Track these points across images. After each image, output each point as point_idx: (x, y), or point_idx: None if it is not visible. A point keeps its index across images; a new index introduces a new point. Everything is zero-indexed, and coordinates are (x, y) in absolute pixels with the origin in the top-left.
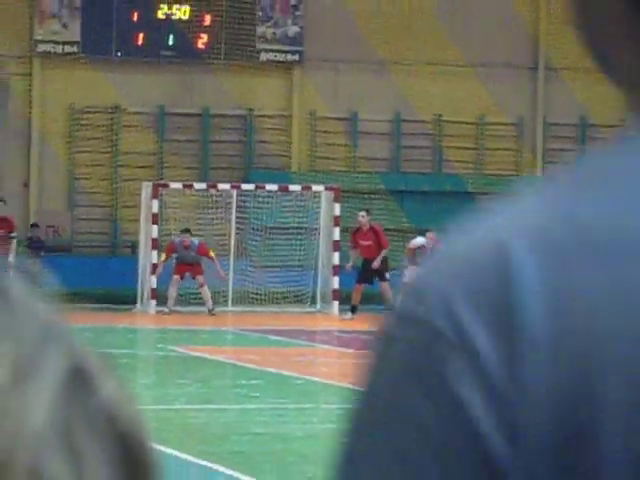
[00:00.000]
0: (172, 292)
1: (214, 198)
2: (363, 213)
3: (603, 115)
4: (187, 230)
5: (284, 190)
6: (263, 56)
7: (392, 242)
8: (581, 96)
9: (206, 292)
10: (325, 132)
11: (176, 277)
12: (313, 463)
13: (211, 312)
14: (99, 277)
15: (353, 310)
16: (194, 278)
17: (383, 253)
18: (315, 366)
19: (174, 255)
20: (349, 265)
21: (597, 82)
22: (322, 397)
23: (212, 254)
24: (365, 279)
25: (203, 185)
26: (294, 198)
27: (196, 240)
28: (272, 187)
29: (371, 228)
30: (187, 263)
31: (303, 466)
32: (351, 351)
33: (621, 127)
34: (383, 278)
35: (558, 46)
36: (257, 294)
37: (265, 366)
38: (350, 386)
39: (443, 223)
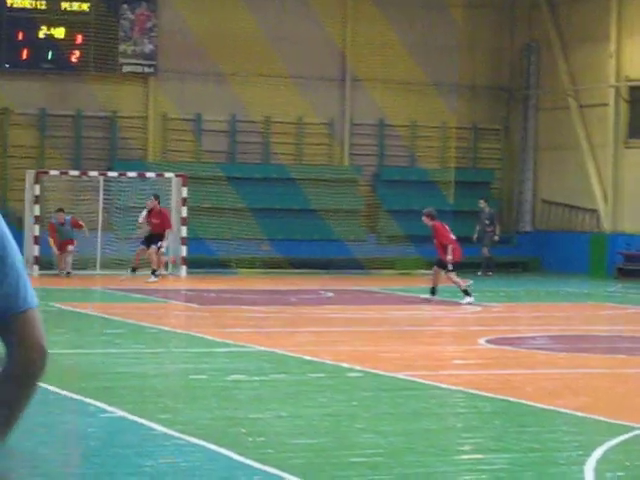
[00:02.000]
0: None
1: (85, 183)
2: (152, 198)
3: (397, 117)
4: (60, 209)
5: (142, 177)
6: (125, 68)
7: (228, 219)
8: (379, 102)
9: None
10: (175, 130)
11: (59, 253)
12: (164, 396)
13: (68, 274)
14: None
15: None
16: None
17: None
18: (166, 318)
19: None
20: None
21: (392, 91)
22: (172, 343)
23: (82, 223)
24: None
25: (76, 172)
26: (150, 183)
27: (68, 216)
28: (132, 174)
29: (160, 210)
30: (65, 239)
31: (156, 398)
32: (198, 306)
33: (409, 127)
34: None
35: (361, 62)
36: (120, 260)
37: (126, 318)
38: (194, 334)
39: (270, 203)
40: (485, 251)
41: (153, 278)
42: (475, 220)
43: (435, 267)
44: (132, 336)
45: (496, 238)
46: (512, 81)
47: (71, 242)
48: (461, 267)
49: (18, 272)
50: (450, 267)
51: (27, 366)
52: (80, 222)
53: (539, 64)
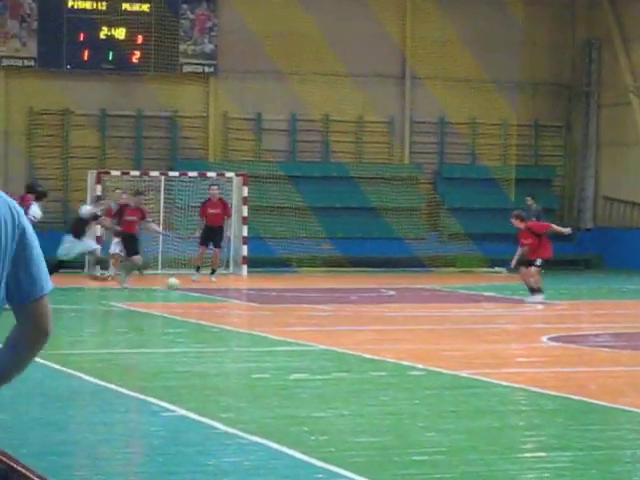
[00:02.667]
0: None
1: (146, 183)
2: (214, 187)
3: (457, 115)
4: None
5: (203, 176)
6: (185, 68)
7: (288, 217)
8: (440, 100)
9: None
10: (235, 129)
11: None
12: (226, 395)
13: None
14: (53, 247)
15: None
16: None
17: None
18: (228, 317)
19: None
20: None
21: (452, 89)
22: (233, 342)
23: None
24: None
25: (137, 172)
26: (211, 182)
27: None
28: (193, 174)
29: (220, 199)
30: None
31: (217, 397)
32: (259, 305)
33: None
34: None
35: (421, 59)
36: (182, 260)
37: (187, 317)
38: (256, 333)
39: (330, 202)
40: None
41: (213, 277)
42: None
43: (529, 267)
44: (194, 335)
45: None
46: (573, 78)
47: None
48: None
49: (41, 257)
50: (539, 262)
51: (33, 347)
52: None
53: (600, 60)
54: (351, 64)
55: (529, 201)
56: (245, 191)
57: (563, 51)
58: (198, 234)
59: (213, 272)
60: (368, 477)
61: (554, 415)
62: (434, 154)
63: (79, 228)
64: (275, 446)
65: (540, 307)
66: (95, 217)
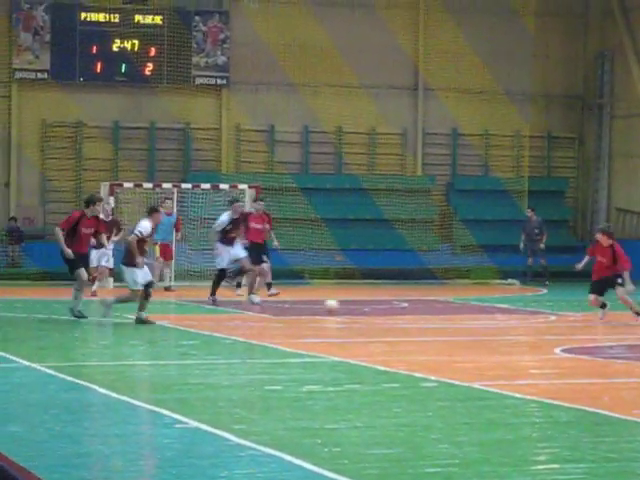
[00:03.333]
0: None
1: (159, 195)
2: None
3: (469, 126)
4: (168, 198)
5: (215, 188)
6: (198, 80)
7: (301, 229)
8: (452, 111)
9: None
10: (248, 141)
11: (161, 259)
12: (239, 407)
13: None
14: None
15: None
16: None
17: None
18: (240, 329)
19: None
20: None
21: (465, 100)
22: (246, 354)
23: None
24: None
25: (150, 185)
26: (224, 195)
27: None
28: (206, 186)
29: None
30: (166, 241)
31: (231, 409)
32: (272, 317)
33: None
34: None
35: (433, 71)
36: (195, 272)
37: (200, 329)
38: (268, 344)
39: (342, 214)
40: (531, 261)
41: (273, 290)
42: (521, 229)
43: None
44: (206, 347)
45: (542, 246)
46: (586, 89)
47: (169, 250)
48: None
49: None
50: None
51: None
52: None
53: (613, 72)
54: (364, 76)
55: (529, 213)
56: (258, 200)
57: (575, 63)
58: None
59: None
60: None
61: (567, 427)
62: (447, 165)
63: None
64: (288, 458)
65: (553, 318)
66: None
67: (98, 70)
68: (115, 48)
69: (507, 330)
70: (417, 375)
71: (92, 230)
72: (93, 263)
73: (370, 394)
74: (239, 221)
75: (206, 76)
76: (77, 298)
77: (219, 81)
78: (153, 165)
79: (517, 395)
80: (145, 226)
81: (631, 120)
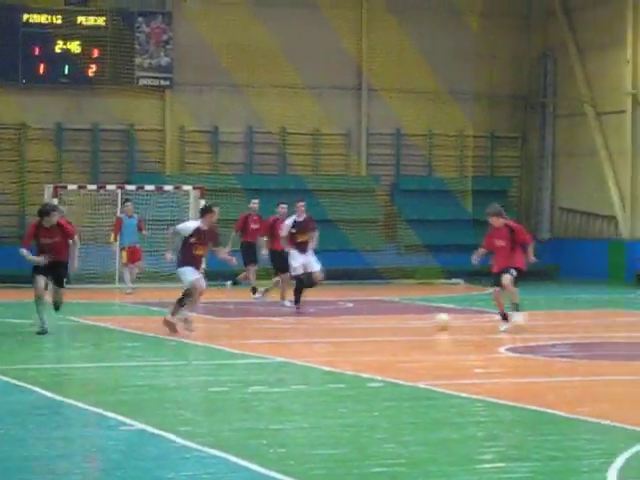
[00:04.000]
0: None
1: (103, 197)
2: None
3: (413, 126)
4: (127, 200)
5: (160, 190)
6: (141, 82)
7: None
8: (396, 111)
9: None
10: (192, 142)
11: (128, 264)
12: (184, 408)
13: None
14: (10, 261)
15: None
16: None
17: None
18: (185, 330)
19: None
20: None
21: (408, 100)
22: (191, 355)
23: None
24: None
25: (94, 186)
26: (168, 196)
27: (135, 215)
28: (150, 187)
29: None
30: (132, 244)
31: (176, 411)
32: (217, 318)
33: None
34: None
35: (377, 71)
36: (139, 274)
37: (146, 331)
38: (213, 346)
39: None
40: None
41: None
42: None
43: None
44: (152, 349)
45: None
46: (529, 89)
47: (137, 252)
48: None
49: None
50: (514, 273)
51: None
52: (144, 227)
53: (556, 71)
54: (308, 77)
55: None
56: (202, 204)
57: (519, 62)
58: (229, 249)
59: (235, 284)
60: None
61: (512, 426)
62: (391, 166)
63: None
64: (233, 459)
65: (498, 317)
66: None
67: (41, 72)
68: (58, 50)
69: (452, 330)
70: (363, 375)
71: (55, 240)
72: None
73: (316, 395)
74: (305, 224)
75: (149, 77)
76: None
77: (162, 82)
78: (97, 167)
79: (462, 394)
80: (186, 226)
81: (574, 119)
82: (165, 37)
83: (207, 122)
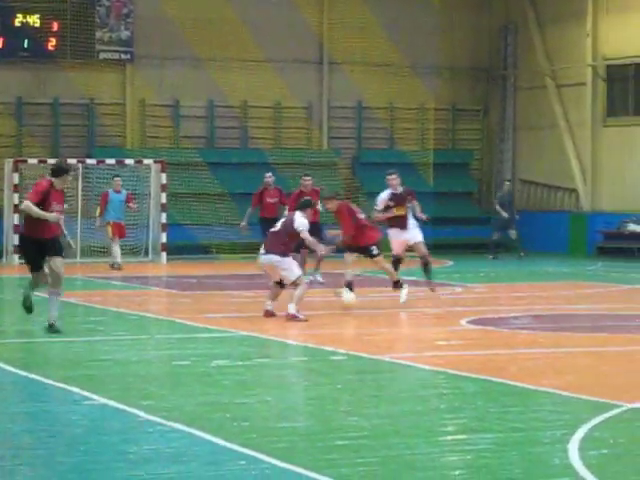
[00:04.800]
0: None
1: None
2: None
3: (375, 99)
4: (117, 175)
5: (121, 163)
6: (101, 55)
7: (208, 204)
8: (357, 84)
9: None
10: (153, 116)
11: (114, 236)
12: (147, 382)
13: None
14: None
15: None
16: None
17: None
18: (148, 304)
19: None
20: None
21: (370, 73)
22: (154, 329)
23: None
24: None
25: (54, 160)
26: (129, 170)
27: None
28: (111, 161)
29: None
30: (117, 220)
31: (139, 385)
32: (175, 291)
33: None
34: None
35: (338, 44)
36: (100, 247)
37: (108, 305)
38: (176, 320)
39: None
40: (497, 235)
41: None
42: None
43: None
44: (114, 323)
45: (517, 217)
46: (490, 62)
47: (121, 227)
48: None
49: None
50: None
51: None
52: (133, 201)
53: (516, 44)
54: (269, 50)
55: (507, 184)
56: (163, 178)
57: (480, 35)
58: (246, 222)
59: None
60: (291, 462)
61: (474, 398)
62: (352, 139)
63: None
64: (197, 433)
65: (459, 290)
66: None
67: (0, 45)
68: (17, 23)
69: (414, 302)
70: (326, 348)
71: (61, 207)
72: None
73: (279, 368)
74: (402, 197)
75: (110, 51)
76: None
77: (123, 56)
78: (57, 141)
79: (425, 367)
80: (304, 223)
81: (534, 92)
82: (126, 10)
83: (168, 96)
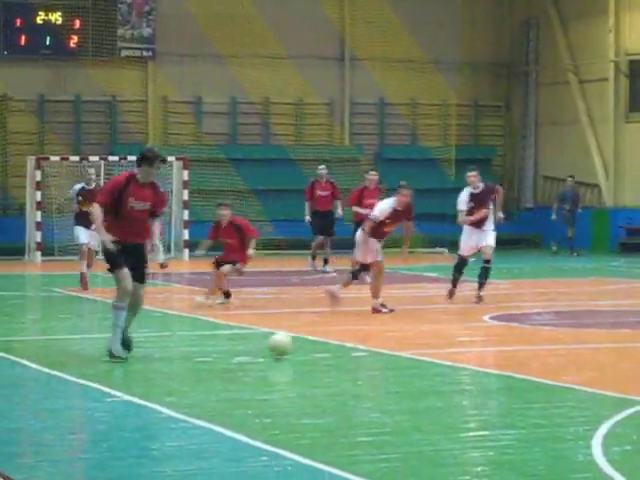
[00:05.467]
0: None
1: (86, 168)
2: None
3: (396, 95)
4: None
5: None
6: (123, 52)
7: (230, 201)
8: (379, 81)
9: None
10: (175, 113)
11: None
12: (170, 379)
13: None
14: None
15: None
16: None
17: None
18: (170, 301)
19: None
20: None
21: (391, 69)
22: (176, 326)
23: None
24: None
25: (77, 157)
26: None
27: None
28: (133, 158)
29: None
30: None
31: (162, 381)
32: (198, 288)
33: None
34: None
35: (359, 40)
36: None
37: None
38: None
39: (271, 184)
40: (571, 232)
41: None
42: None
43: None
44: (136, 320)
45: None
46: (512, 57)
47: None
48: None
49: None
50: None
51: None
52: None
53: (538, 40)
54: (290, 46)
55: (570, 181)
56: (185, 175)
57: (502, 31)
58: (309, 216)
59: (326, 262)
60: (313, 459)
61: (497, 394)
62: (374, 135)
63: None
64: (219, 429)
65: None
66: None
67: (23, 43)
68: (39, 21)
69: (436, 299)
70: (347, 345)
71: (147, 205)
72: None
73: (300, 364)
74: (483, 196)
75: (132, 48)
76: (117, 326)
77: (145, 53)
78: (79, 138)
79: (447, 363)
80: (382, 208)
81: (556, 87)
82: (147, 8)
83: (190, 92)
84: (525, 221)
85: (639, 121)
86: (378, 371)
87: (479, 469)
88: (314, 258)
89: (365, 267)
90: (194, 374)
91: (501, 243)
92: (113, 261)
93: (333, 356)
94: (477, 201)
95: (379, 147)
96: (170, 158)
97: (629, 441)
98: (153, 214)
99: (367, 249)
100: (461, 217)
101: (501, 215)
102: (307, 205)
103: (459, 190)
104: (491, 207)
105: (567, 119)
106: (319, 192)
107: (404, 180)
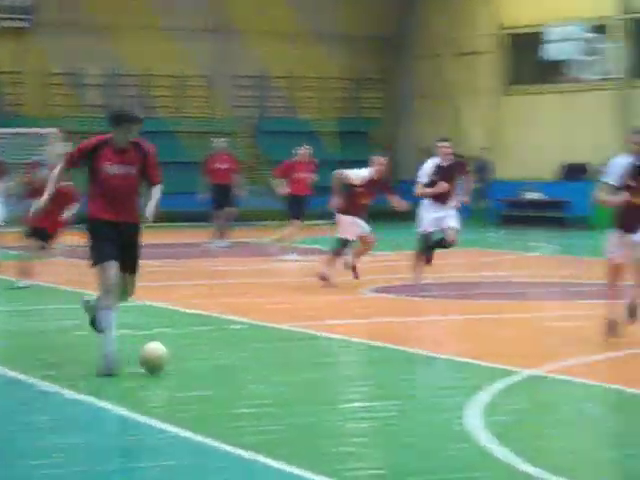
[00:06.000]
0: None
1: None
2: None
3: (277, 68)
4: None
5: (18, 133)
6: (0, 23)
7: None
8: (260, 53)
9: None
10: (54, 85)
11: None
12: (44, 352)
13: None
14: None
15: None
16: None
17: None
18: (49, 274)
19: None
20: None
21: (272, 42)
22: (54, 299)
23: None
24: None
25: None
26: (27, 139)
27: None
28: (8, 130)
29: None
30: None
31: (36, 354)
32: (80, 261)
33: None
34: None
35: (240, 13)
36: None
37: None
38: (73, 289)
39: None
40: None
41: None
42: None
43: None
44: (5, 294)
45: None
46: (392, 30)
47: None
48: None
49: None
50: None
51: None
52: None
53: (418, 13)
54: (171, 18)
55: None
56: (64, 147)
57: (382, 3)
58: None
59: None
60: (196, 431)
61: (377, 366)
62: (254, 108)
63: None
64: (99, 403)
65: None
66: None
67: None
68: None
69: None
70: (229, 317)
71: (133, 170)
72: None
73: (181, 337)
74: (449, 170)
75: (9, 18)
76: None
77: (22, 24)
78: None
79: (328, 335)
80: (357, 173)
81: (433, 60)
82: None
83: (69, 64)
84: (404, 192)
85: (518, 94)
86: (259, 343)
87: (359, 440)
88: (222, 235)
89: (345, 243)
90: (70, 348)
91: (383, 215)
92: (91, 248)
93: (215, 329)
94: (443, 175)
95: (259, 120)
96: (48, 130)
97: (507, 411)
98: (149, 183)
99: (344, 226)
100: (419, 189)
101: (467, 199)
102: (205, 179)
103: (341, 162)
104: (459, 184)
105: (446, 92)
106: (218, 165)
107: (284, 153)
